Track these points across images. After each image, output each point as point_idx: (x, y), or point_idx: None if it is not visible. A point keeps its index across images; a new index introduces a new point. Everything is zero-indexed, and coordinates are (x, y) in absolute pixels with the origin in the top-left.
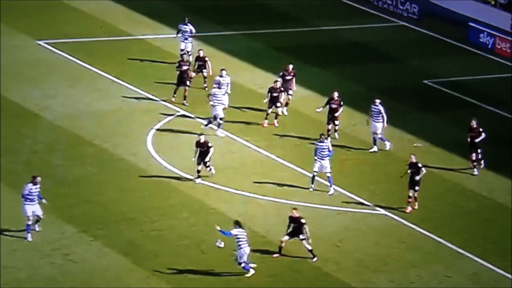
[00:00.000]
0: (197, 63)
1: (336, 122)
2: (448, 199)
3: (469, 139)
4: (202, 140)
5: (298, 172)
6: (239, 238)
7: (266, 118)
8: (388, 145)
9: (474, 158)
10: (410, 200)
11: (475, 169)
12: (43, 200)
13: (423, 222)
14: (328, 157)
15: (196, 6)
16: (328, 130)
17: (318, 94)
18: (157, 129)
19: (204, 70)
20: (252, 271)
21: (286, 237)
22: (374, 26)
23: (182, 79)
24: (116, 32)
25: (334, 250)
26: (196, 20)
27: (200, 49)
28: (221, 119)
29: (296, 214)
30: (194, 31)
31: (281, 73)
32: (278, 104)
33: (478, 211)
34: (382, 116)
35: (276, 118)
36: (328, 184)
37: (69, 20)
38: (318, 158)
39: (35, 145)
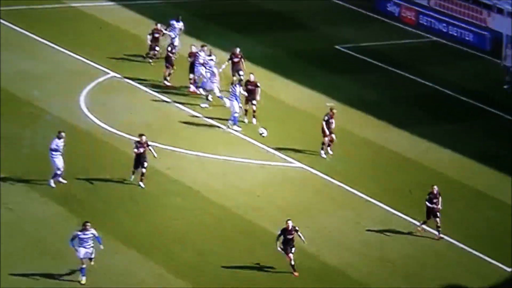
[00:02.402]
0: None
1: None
2: (360, 153)
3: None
4: (143, 140)
5: (223, 130)
6: (83, 239)
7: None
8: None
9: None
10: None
11: (323, 152)
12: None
13: (337, 174)
14: (236, 99)
15: None
16: (246, 110)
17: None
18: (89, 90)
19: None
20: (83, 280)
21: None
22: None
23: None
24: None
25: (256, 200)
26: None
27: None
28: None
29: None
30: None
31: (229, 57)
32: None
33: (386, 163)
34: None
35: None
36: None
37: None
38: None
39: None
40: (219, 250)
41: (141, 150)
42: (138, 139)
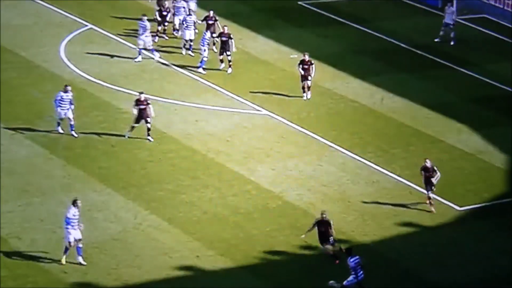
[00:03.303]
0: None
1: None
2: (322, 102)
3: None
4: (142, 98)
5: (195, 79)
6: (71, 220)
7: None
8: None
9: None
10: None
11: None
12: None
13: (300, 120)
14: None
15: None
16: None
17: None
18: (69, 41)
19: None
20: (81, 260)
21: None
22: None
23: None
24: None
25: (225, 144)
26: None
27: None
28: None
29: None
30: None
31: (202, 19)
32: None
33: (346, 111)
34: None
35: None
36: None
37: None
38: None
39: None
40: (191, 189)
41: (142, 107)
42: (137, 97)
